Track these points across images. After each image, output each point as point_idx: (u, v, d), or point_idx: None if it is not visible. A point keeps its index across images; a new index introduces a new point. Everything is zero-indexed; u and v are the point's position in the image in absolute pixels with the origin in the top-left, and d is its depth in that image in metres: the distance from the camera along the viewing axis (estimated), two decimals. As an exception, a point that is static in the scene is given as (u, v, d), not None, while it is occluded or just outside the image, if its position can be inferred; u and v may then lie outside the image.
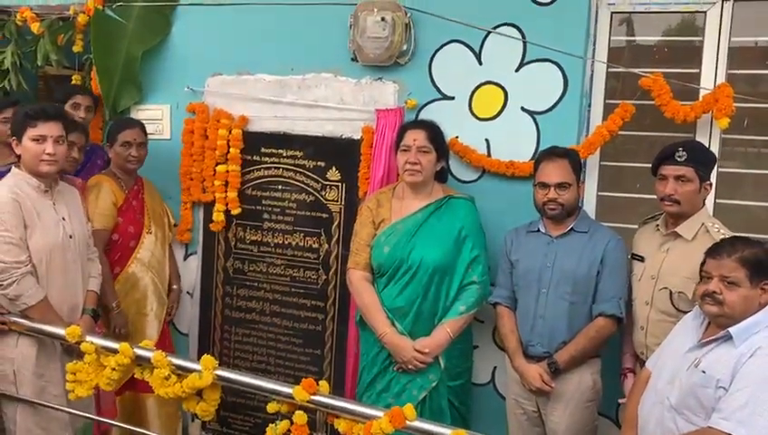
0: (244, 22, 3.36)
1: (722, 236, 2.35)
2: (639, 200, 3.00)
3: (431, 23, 3.04)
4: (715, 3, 2.81)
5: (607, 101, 2.99)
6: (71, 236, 2.69)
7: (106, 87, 3.47)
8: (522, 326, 2.71)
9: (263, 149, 3.42)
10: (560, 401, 2.64)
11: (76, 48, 3.59)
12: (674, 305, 2.46)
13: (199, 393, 2.37)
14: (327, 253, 3.34)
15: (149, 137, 3.31)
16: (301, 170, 3.36)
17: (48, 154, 2.56)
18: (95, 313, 2.82)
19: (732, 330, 1.98)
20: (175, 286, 3.47)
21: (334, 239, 3.32)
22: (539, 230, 2.74)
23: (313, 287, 3.38)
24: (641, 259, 2.62)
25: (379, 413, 2.13)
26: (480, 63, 3.04)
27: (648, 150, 2.99)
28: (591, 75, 2.97)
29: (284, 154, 3.38)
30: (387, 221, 2.86)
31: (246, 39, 3.38)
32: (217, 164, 3.42)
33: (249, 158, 3.43)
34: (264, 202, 3.44)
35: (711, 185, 2.53)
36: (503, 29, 2.97)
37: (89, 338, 2.49)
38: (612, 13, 2.95)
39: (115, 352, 2.42)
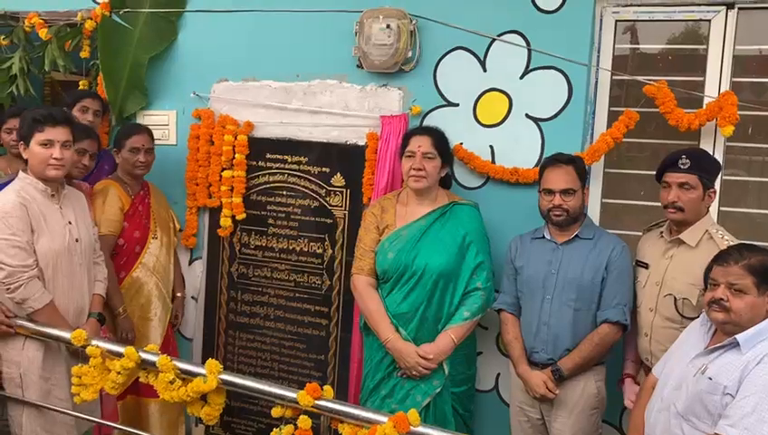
0: (250, 28, 3.38)
1: (726, 243, 2.36)
2: (643, 207, 3.00)
3: (436, 30, 3.06)
4: (719, 11, 2.83)
5: (611, 109, 3.00)
6: (77, 241, 2.70)
7: (112, 93, 3.49)
8: (526, 333, 2.71)
9: (268, 155, 3.43)
10: (564, 408, 2.64)
11: (83, 54, 3.61)
12: (678, 312, 2.46)
13: (204, 398, 2.37)
14: (331, 258, 3.35)
15: (156, 142, 3.33)
16: (305, 176, 3.38)
17: (55, 159, 2.57)
18: (101, 316, 2.83)
19: (739, 337, 1.99)
20: (179, 294, 3.48)
21: (338, 245, 3.33)
22: (544, 237, 2.74)
23: (317, 292, 3.39)
24: (645, 266, 2.63)
25: (384, 418, 2.13)
26: (485, 70, 3.05)
27: (651, 158, 3.00)
28: (596, 83, 2.98)
29: (289, 160, 3.40)
30: (391, 227, 2.86)
31: (252, 45, 3.40)
32: (223, 169, 3.44)
33: (254, 163, 3.45)
34: (268, 207, 3.45)
35: (715, 192, 2.54)
36: (507, 36, 2.98)
37: (94, 341, 2.50)
38: (617, 21, 2.97)
39: (120, 355, 2.43)
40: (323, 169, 3.34)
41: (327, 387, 2.24)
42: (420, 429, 2.11)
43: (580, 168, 2.68)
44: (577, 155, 2.79)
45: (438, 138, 2.84)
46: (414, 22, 3.05)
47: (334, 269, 3.35)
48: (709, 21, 2.85)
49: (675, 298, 2.47)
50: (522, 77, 3.00)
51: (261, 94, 3.40)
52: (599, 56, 2.98)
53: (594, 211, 3.01)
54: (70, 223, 2.69)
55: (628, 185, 3.07)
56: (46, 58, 3.56)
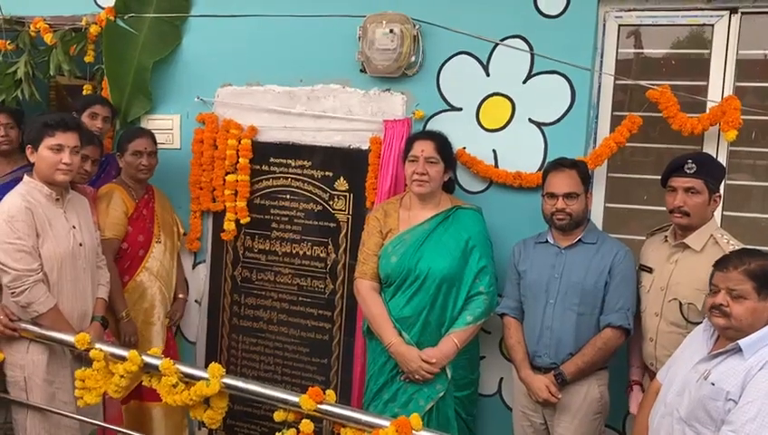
0: (254, 33, 3.40)
1: (731, 247, 2.35)
2: (647, 212, 3.00)
3: (439, 34, 3.06)
4: (722, 16, 2.83)
5: (614, 113, 3.00)
6: (81, 245, 2.72)
7: (117, 97, 3.51)
8: (529, 337, 2.71)
9: (271, 159, 3.44)
10: (567, 413, 2.63)
11: (88, 58, 3.63)
12: (684, 317, 2.46)
13: (207, 401, 2.38)
14: (334, 262, 3.35)
15: (160, 146, 3.34)
16: (309, 180, 3.38)
17: (65, 163, 2.59)
18: (104, 320, 2.84)
19: (741, 342, 1.98)
20: (181, 295, 3.49)
21: (342, 249, 3.33)
22: (547, 241, 2.74)
23: (321, 296, 3.39)
24: (650, 271, 2.62)
25: (386, 423, 2.13)
26: (488, 75, 3.06)
27: (655, 162, 3.00)
28: (599, 87, 2.98)
29: (293, 164, 3.40)
30: (394, 231, 2.86)
31: (256, 50, 3.41)
32: (227, 174, 3.45)
33: (258, 167, 3.46)
34: (272, 211, 3.46)
35: (720, 197, 2.53)
36: (510, 41, 2.99)
37: (98, 345, 2.51)
38: (620, 25, 2.97)
39: (123, 359, 2.44)
40: (327, 173, 3.34)
41: (330, 391, 2.25)
42: (423, 433, 2.11)
43: (583, 172, 2.68)
44: (580, 159, 2.79)
45: (441, 142, 2.85)
46: (417, 27, 3.05)
47: (337, 273, 3.35)
48: (712, 25, 2.85)
49: (680, 303, 2.47)
50: (525, 81, 3.00)
51: (265, 99, 3.41)
52: (602, 61, 2.98)
53: (597, 216, 3.01)
54: (74, 227, 2.71)
55: (631, 189, 3.07)
56: (51, 63, 3.57)
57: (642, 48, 3.08)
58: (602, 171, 3.00)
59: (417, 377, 2.71)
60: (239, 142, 3.42)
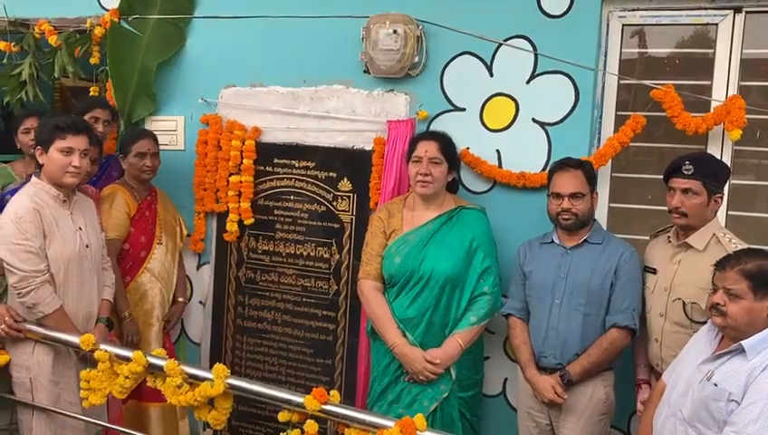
0: (258, 34, 3.40)
1: (734, 247, 2.35)
2: (651, 212, 2.99)
3: (443, 35, 3.06)
4: (726, 15, 2.82)
5: (618, 113, 2.99)
6: (87, 246, 2.72)
7: (121, 98, 3.52)
8: (534, 338, 2.70)
9: (275, 160, 3.44)
10: (572, 413, 2.63)
11: (92, 60, 3.64)
12: (688, 316, 2.45)
13: (211, 402, 2.38)
14: (338, 263, 3.35)
15: (164, 148, 3.35)
16: (313, 181, 3.38)
17: (74, 166, 2.61)
18: (109, 322, 2.85)
19: (744, 343, 1.98)
20: (180, 299, 3.47)
21: (345, 249, 3.33)
22: (552, 241, 2.74)
23: (325, 297, 3.39)
24: (654, 271, 2.62)
25: (390, 423, 2.13)
26: (491, 75, 3.05)
27: (659, 162, 2.99)
28: (603, 87, 2.98)
29: (297, 165, 3.41)
30: (398, 232, 2.86)
31: (259, 51, 3.42)
32: (231, 175, 3.45)
33: (262, 168, 3.46)
34: (276, 212, 3.47)
35: (722, 197, 2.52)
36: (514, 41, 2.99)
37: (103, 346, 2.51)
38: (624, 25, 2.96)
39: (128, 360, 2.44)
40: (330, 173, 3.35)
41: (334, 392, 2.25)
42: (427, 433, 2.11)
43: (588, 172, 2.68)
44: (585, 159, 2.79)
45: (445, 143, 2.85)
46: (420, 27, 3.05)
47: (341, 274, 3.35)
48: (716, 24, 2.84)
49: (684, 303, 2.46)
50: (528, 82, 3.00)
51: (268, 100, 3.42)
52: (605, 60, 2.98)
53: (602, 216, 3.00)
54: (80, 229, 2.71)
55: (635, 189, 3.06)
56: (56, 64, 3.59)
57: (646, 48, 3.08)
58: (606, 171, 3.00)
59: (421, 378, 2.71)
60: (243, 143, 3.42)
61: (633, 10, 2.93)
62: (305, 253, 3.42)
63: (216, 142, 3.47)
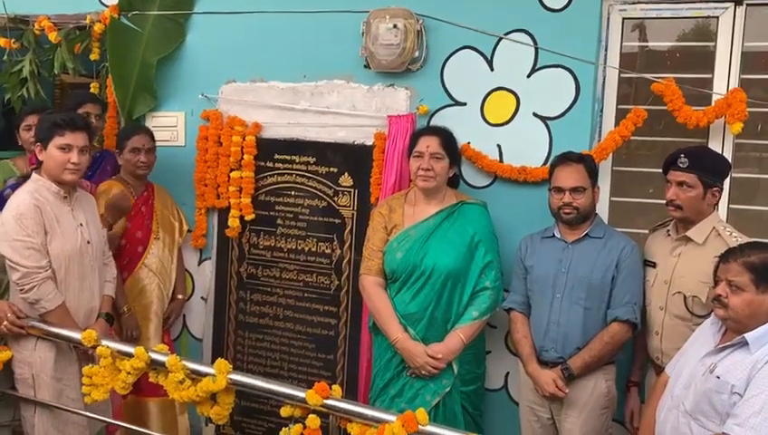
0: (258, 30, 3.39)
1: (735, 240, 2.36)
2: (652, 206, 2.99)
3: (443, 29, 3.06)
4: (727, 8, 2.81)
5: (619, 107, 2.99)
6: (88, 242, 2.73)
7: (121, 94, 3.52)
8: (535, 332, 2.71)
9: (276, 156, 3.44)
10: (574, 407, 2.63)
11: (92, 56, 3.64)
12: (688, 310, 2.46)
13: (213, 397, 2.39)
14: (339, 258, 3.35)
15: (164, 144, 3.35)
16: (313, 176, 3.38)
17: (73, 163, 2.61)
18: (109, 317, 2.85)
19: (748, 336, 1.98)
20: (180, 296, 3.49)
21: (347, 245, 3.34)
22: (554, 236, 2.74)
23: (326, 292, 3.40)
24: (653, 265, 2.62)
25: (392, 418, 2.13)
26: (492, 69, 3.05)
27: (660, 156, 2.97)
28: (603, 81, 2.97)
29: (297, 160, 3.41)
30: (399, 227, 2.87)
31: (260, 47, 3.41)
32: (231, 170, 3.45)
33: (262, 164, 3.46)
34: (277, 208, 3.47)
35: (720, 191, 2.51)
36: (514, 35, 2.98)
37: (104, 342, 2.52)
38: (624, 18, 2.95)
39: (130, 355, 2.45)
40: (331, 169, 3.35)
41: (336, 386, 2.25)
42: (429, 428, 2.11)
43: (590, 166, 2.68)
44: (586, 153, 2.79)
45: (447, 138, 2.85)
46: (421, 21, 3.05)
47: (342, 269, 3.35)
48: (717, 18, 2.83)
49: (684, 296, 2.47)
50: (529, 76, 2.99)
51: (268, 95, 3.42)
52: (606, 54, 2.97)
53: (603, 210, 3.00)
54: (81, 225, 2.72)
55: (636, 183, 3.06)
56: (56, 61, 3.59)
57: (647, 41, 3.07)
58: (607, 165, 2.99)
59: (423, 372, 2.72)
60: (243, 139, 3.42)
61: (633, 3, 2.92)
62: (306, 248, 3.42)
63: (216, 138, 3.47)
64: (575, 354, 2.60)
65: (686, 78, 2.83)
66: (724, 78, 2.83)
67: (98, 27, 3.53)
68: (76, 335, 2.54)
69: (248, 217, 3.46)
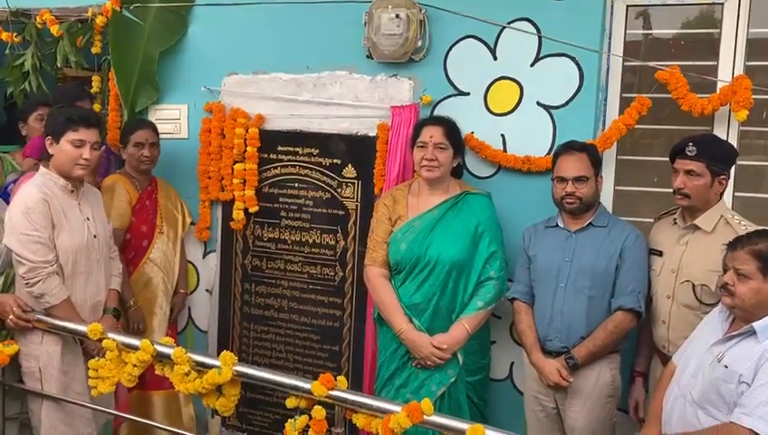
0: (260, 21, 3.38)
1: (744, 227, 2.35)
2: (657, 194, 2.98)
3: (446, 19, 3.04)
4: (732, -6, 2.79)
5: (623, 95, 2.97)
6: (95, 237, 2.74)
7: (124, 87, 3.51)
8: (539, 321, 2.70)
9: (279, 148, 3.44)
10: (578, 396, 2.63)
11: (95, 49, 3.64)
12: (697, 298, 2.45)
13: (219, 389, 2.39)
14: (344, 250, 3.35)
15: (167, 136, 3.35)
16: (317, 168, 3.38)
17: (84, 159, 2.62)
18: (116, 311, 2.87)
19: (756, 325, 1.97)
20: (182, 290, 3.50)
21: (351, 236, 3.34)
22: (557, 225, 2.73)
23: (331, 284, 3.40)
24: (660, 254, 2.61)
25: (398, 408, 2.14)
26: (495, 59, 3.03)
27: (665, 144, 2.97)
28: (607, 69, 2.95)
29: (301, 152, 3.40)
30: (403, 218, 2.86)
31: (262, 38, 3.40)
32: (235, 163, 3.45)
33: (266, 156, 3.46)
34: (280, 200, 3.47)
35: (727, 179, 2.50)
36: (517, 24, 2.96)
37: (110, 335, 2.52)
38: (628, 6, 2.94)
39: (136, 348, 2.45)
40: (334, 160, 3.34)
41: (341, 377, 2.26)
42: (434, 418, 2.12)
43: (593, 155, 2.67)
44: (590, 142, 2.77)
45: (450, 128, 2.84)
46: (423, 11, 3.03)
47: (347, 260, 3.35)
48: (722, 4, 2.81)
49: (693, 285, 2.45)
50: (532, 65, 2.98)
51: (271, 87, 3.41)
52: (610, 42, 2.95)
53: (607, 198, 2.99)
54: (88, 219, 2.73)
55: (641, 172, 3.04)
56: (58, 54, 3.59)
57: (651, 29, 3.05)
58: (612, 154, 2.98)
59: (428, 363, 2.72)
60: (246, 131, 3.42)
61: (637, -9, 2.91)
62: (311, 240, 3.42)
63: (219, 130, 3.47)
64: (579, 344, 2.60)
65: (691, 65, 2.82)
66: (729, 65, 2.81)
67: (100, 20, 3.52)
68: (82, 329, 2.54)
69: (252, 210, 3.46)
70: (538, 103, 2.99)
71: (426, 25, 3.06)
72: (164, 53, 3.55)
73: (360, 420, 2.22)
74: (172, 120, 3.59)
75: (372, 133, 3.22)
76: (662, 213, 2.75)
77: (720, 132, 2.79)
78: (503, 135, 3.05)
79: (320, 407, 2.24)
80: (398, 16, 2.99)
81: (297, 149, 3.41)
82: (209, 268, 3.66)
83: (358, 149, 3.27)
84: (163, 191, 3.40)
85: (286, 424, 2.28)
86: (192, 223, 3.56)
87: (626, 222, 2.72)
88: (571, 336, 2.62)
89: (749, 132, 2.89)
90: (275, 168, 3.46)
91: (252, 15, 3.39)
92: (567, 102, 2.94)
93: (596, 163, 2.66)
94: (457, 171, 2.95)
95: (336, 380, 2.23)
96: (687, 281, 2.47)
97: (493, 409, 3.08)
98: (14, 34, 3.68)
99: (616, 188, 3.02)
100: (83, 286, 2.70)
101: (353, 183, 3.32)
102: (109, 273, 2.87)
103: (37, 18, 3.63)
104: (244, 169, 3.44)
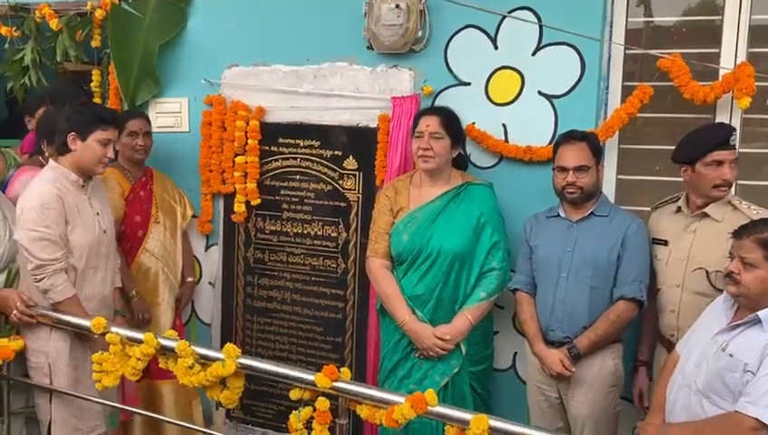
0: (260, 13, 3.37)
1: (753, 212, 2.35)
2: (659, 183, 2.97)
3: (446, 8, 3.02)
4: (734, -20, 2.77)
5: (625, 84, 2.96)
6: (105, 232, 2.75)
7: (124, 81, 3.50)
8: (541, 312, 2.70)
9: (280, 140, 3.43)
10: (581, 386, 2.63)
11: (94, 43, 3.63)
12: (712, 285, 2.43)
13: (223, 382, 2.40)
14: (346, 241, 3.35)
15: (168, 130, 3.34)
16: (318, 160, 3.38)
17: (108, 158, 2.66)
18: (122, 313, 2.89)
19: (761, 314, 1.97)
20: (190, 279, 3.51)
21: (353, 228, 3.33)
22: (558, 215, 2.72)
23: (333, 276, 3.40)
24: (665, 243, 2.59)
25: (401, 399, 2.14)
26: (496, 48, 3.02)
27: (667, 133, 2.96)
28: (609, 58, 2.94)
29: (302, 144, 3.40)
30: (405, 209, 2.86)
31: (262, 30, 3.39)
32: (236, 155, 3.45)
33: (267, 148, 3.45)
34: (282, 192, 3.46)
35: None
36: (518, 13, 2.94)
37: (114, 328, 2.52)
38: (629, -7, 2.92)
39: (140, 342, 2.46)
40: (336, 152, 3.33)
41: (344, 369, 2.26)
42: (438, 408, 2.12)
43: (594, 144, 2.66)
44: (591, 131, 2.77)
45: (447, 117, 2.82)
46: (423, 1, 3.02)
47: (349, 252, 3.35)
48: (724, -9, 2.80)
49: (707, 272, 2.44)
50: (533, 54, 2.96)
51: (271, 79, 3.40)
52: (611, 31, 2.93)
53: (609, 188, 2.98)
54: (98, 214, 2.73)
55: (643, 161, 3.03)
56: (58, 48, 3.58)
57: (652, 16, 3.04)
58: (614, 143, 2.97)
59: (431, 354, 2.72)
60: (247, 124, 3.41)
61: (639, -22, 2.89)
62: (313, 232, 3.42)
63: (220, 123, 3.46)
64: (581, 334, 2.60)
65: (693, 53, 2.80)
66: (732, 52, 2.80)
67: (99, 14, 3.52)
68: (86, 323, 2.55)
69: (254, 202, 3.46)
70: (539, 93, 2.97)
71: (426, 15, 3.04)
72: (164, 45, 3.54)
73: (363, 412, 2.23)
74: (173, 113, 3.59)
75: (373, 124, 3.21)
76: (659, 202, 2.74)
77: (722, 120, 2.78)
78: (504, 125, 3.04)
79: (323, 398, 2.25)
80: (398, 6, 2.97)
81: (298, 141, 3.40)
82: (212, 261, 3.66)
83: (359, 141, 3.27)
84: (158, 181, 3.39)
85: (290, 416, 2.29)
86: (194, 216, 3.55)
87: (627, 211, 2.72)
88: (573, 326, 2.62)
89: (751, 120, 2.88)
90: (276, 160, 3.46)
91: (251, 7, 3.37)
92: (568, 91, 2.93)
93: (597, 152, 2.65)
94: (460, 162, 2.94)
95: (339, 371, 2.24)
96: (700, 268, 2.45)
97: (496, 399, 3.09)
98: (14, 29, 3.68)
99: (618, 177, 3.02)
100: (93, 281, 2.71)
101: (354, 175, 3.31)
102: (114, 268, 2.88)
103: (36, 12, 3.62)
104: (246, 162, 3.44)
